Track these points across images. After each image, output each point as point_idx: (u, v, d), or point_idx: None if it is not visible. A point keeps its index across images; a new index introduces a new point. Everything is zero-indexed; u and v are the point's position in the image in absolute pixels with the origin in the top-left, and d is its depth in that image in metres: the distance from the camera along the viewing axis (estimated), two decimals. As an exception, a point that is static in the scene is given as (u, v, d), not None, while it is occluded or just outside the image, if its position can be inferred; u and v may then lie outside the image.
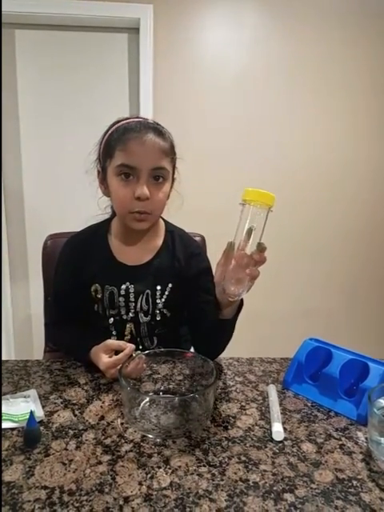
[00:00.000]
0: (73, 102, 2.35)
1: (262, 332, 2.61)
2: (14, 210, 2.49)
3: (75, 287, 1.13)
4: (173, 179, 1.11)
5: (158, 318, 1.14)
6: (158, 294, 1.12)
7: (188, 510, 0.59)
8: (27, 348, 2.61)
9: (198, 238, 1.51)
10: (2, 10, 2.14)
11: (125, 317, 1.13)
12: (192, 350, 1.16)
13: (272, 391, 0.89)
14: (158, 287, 1.12)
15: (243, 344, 2.43)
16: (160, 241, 1.16)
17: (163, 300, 1.13)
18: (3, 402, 0.82)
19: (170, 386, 0.93)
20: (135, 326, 1.14)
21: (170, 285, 1.13)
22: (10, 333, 2.60)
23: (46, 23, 2.28)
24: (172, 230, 1.19)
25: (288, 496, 0.62)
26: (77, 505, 0.59)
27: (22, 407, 0.81)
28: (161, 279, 1.12)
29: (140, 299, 1.11)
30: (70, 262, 1.16)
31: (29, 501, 0.60)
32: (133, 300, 1.12)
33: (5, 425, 0.76)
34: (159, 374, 0.95)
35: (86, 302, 1.14)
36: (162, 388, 0.92)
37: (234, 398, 0.89)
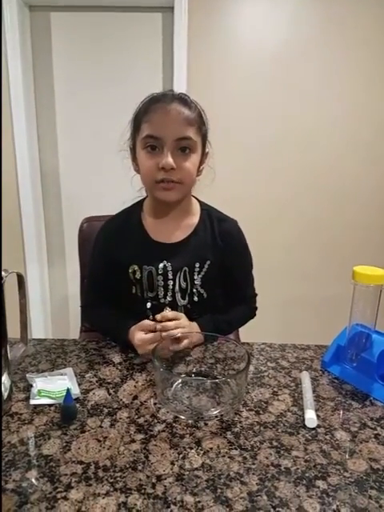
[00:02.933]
0: (107, 84, 2.34)
1: (295, 318, 2.58)
2: (51, 193, 2.53)
3: (111, 271, 1.14)
4: (203, 152, 1.09)
5: (195, 299, 1.14)
6: (196, 269, 1.12)
7: (219, 491, 0.59)
8: (64, 328, 2.69)
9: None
10: None
11: (162, 300, 1.13)
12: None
13: (305, 378, 0.88)
14: (197, 264, 1.12)
15: (274, 329, 2.44)
16: (196, 219, 1.15)
17: (201, 276, 1.12)
18: (42, 378, 0.85)
19: (202, 369, 0.93)
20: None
21: (208, 261, 1.12)
22: (48, 313, 2.68)
23: (80, 5, 2.27)
24: (207, 209, 1.18)
25: (320, 483, 0.61)
26: (111, 480, 0.61)
27: (59, 384, 0.83)
28: (199, 256, 1.12)
29: (178, 277, 1.11)
30: (105, 246, 1.17)
31: (65, 474, 0.62)
32: (171, 278, 1.11)
33: (43, 401, 0.79)
34: (191, 356, 0.96)
35: (122, 285, 1.15)
36: (194, 370, 0.93)
37: (267, 383, 0.89)
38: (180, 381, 0.85)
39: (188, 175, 1.03)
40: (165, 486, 0.60)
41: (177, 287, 1.12)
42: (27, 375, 0.87)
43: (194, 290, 1.13)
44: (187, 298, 1.14)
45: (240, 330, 1.54)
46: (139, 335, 0.97)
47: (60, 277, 2.62)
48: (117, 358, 0.99)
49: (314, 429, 0.74)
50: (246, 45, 2.22)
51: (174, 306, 1.12)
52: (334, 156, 2.36)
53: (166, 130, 0.98)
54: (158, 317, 0.99)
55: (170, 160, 0.98)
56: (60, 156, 2.49)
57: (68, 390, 0.74)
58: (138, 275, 1.11)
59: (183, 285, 1.12)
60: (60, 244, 2.58)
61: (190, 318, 1.10)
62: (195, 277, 1.12)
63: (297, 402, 0.82)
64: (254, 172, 2.37)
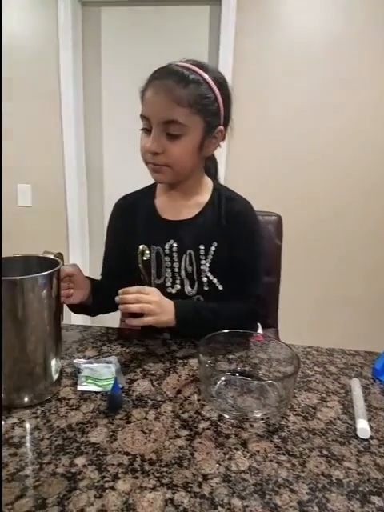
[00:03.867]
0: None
1: (340, 319, 2.50)
2: (95, 183, 2.58)
3: (122, 249, 1.13)
4: (211, 131, 0.99)
5: (205, 288, 1.07)
6: (201, 253, 1.06)
7: (268, 497, 0.57)
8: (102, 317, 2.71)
9: (273, 218, 1.47)
10: None
11: (170, 289, 1.08)
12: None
13: (356, 385, 0.85)
14: (201, 246, 1.06)
15: (315, 330, 2.38)
16: (205, 198, 1.10)
17: (208, 261, 1.06)
18: (88, 365, 0.85)
19: (246, 369, 0.91)
20: None
21: (214, 244, 1.06)
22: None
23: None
24: (219, 189, 1.12)
25: (376, 499, 0.58)
26: (157, 475, 0.60)
27: (105, 372, 0.83)
28: (204, 237, 1.06)
29: (184, 260, 1.06)
30: (117, 221, 1.17)
31: (112, 464, 0.61)
32: (177, 260, 1.07)
33: (90, 388, 0.79)
34: (234, 354, 0.94)
35: (131, 269, 1.10)
36: (237, 369, 0.91)
37: (314, 388, 0.86)
38: (224, 379, 0.84)
39: (176, 160, 0.97)
40: (211, 486, 0.59)
41: (183, 272, 1.07)
42: (74, 361, 0.88)
43: (204, 279, 1.06)
44: (196, 286, 1.07)
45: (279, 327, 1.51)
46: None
47: (100, 263, 2.64)
48: (160, 350, 0.98)
49: (366, 440, 0.71)
50: (296, 39, 2.15)
51: (183, 297, 1.07)
52: (372, 145, 2.26)
53: (154, 111, 0.93)
54: (120, 290, 0.91)
55: (152, 144, 0.94)
56: (104, 146, 2.51)
57: (116, 379, 0.74)
58: (146, 256, 1.06)
59: (189, 269, 1.06)
60: (101, 231, 2.61)
61: None
62: (202, 262, 1.06)
63: (347, 410, 0.79)
64: (305, 170, 2.31)
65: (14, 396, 0.74)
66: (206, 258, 1.06)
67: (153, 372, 0.88)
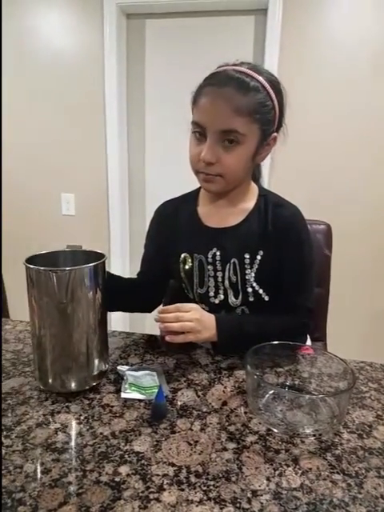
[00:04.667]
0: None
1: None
2: (137, 196, 2.61)
3: (161, 254, 1.11)
4: (265, 138, 0.96)
5: (250, 299, 1.02)
6: (246, 262, 1.00)
7: (322, 518, 0.53)
8: (140, 320, 2.72)
9: (322, 227, 1.42)
10: (134, 1, 2.24)
11: (213, 299, 1.05)
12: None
13: (414, 404, 0.79)
14: (247, 255, 1.00)
15: (373, 348, 2.28)
16: (250, 204, 1.05)
17: (254, 271, 1.00)
18: (132, 372, 0.84)
19: (295, 382, 0.87)
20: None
21: (260, 253, 1.00)
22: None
23: (174, 11, 2.30)
24: (265, 195, 1.06)
25: None
26: (204, 488, 0.57)
27: (149, 380, 0.82)
28: (249, 246, 1.01)
29: (228, 269, 1.02)
30: (159, 226, 1.14)
31: (157, 475, 0.59)
32: (220, 269, 1.02)
33: (133, 395, 0.77)
34: (282, 367, 0.90)
35: (169, 274, 1.12)
36: (286, 382, 0.87)
37: (369, 405, 0.81)
38: (272, 392, 0.80)
39: (229, 170, 0.93)
40: (261, 503, 0.55)
41: (226, 282, 1.02)
42: (118, 367, 0.87)
43: (249, 289, 1.01)
44: (241, 297, 1.03)
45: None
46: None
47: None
48: (203, 360, 0.96)
49: None
50: (342, 49, 2.11)
51: (227, 307, 1.04)
52: None
53: (211, 119, 0.89)
54: (159, 309, 0.89)
55: (208, 154, 0.90)
56: (146, 156, 2.54)
57: (160, 388, 0.72)
58: (188, 264, 1.04)
59: (233, 279, 1.01)
60: (142, 241, 2.64)
61: None
62: (247, 271, 1.00)
63: (405, 429, 0.74)
64: (355, 177, 2.25)
65: (57, 382, 0.78)
66: (252, 268, 1.01)
67: (197, 382, 0.86)
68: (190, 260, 1.05)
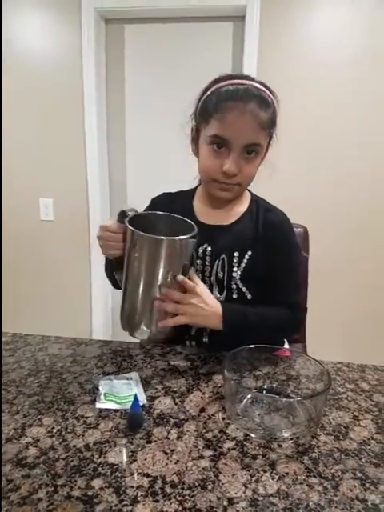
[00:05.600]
0: (176, 95, 2.35)
1: (373, 338, 2.41)
2: (117, 200, 2.58)
3: None
4: (267, 149, 1.05)
5: (234, 296, 1.06)
6: (235, 260, 1.05)
7: (298, 523, 0.53)
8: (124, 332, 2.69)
9: (299, 230, 1.43)
10: (113, 6, 2.24)
11: None
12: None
13: (390, 404, 0.80)
14: (236, 253, 1.05)
15: (343, 347, 2.30)
16: (244, 207, 1.12)
17: (240, 270, 1.05)
18: (107, 381, 0.83)
19: (273, 386, 0.87)
20: None
21: (249, 253, 1.05)
22: (109, 315, 2.70)
23: (152, 16, 2.31)
24: (257, 199, 1.15)
25: (416, 527, 0.53)
26: (179, 498, 0.56)
27: (125, 389, 0.80)
28: (240, 245, 1.06)
29: (216, 264, 1.06)
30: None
31: (132, 487, 0.58)
32: (209, 264, 1.07)
33: (109, 405, 0.76)
34: (260, 371, 0.90)
35: None
36: (264, 386, 0.87)
37: (345, 406, 0.81)
38: (250, 396, 0.79)
39: (248, 178, 1.02)
40: (237, 511, 0.54)
41: (213, 277, 1.07)
42: (92, 377, 0.85)
43: (233, 285, 1.06)
44: (225, 293, 1.06)
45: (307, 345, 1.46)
46: (109, 221, 0.92)
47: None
48: (182, 366, 0.95)
49: (403, 462, 0.66)
50: (320, 55, 2.14)
51: None
52: None
53: (238, 134, 0.93)
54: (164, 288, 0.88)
55: (233, 168, 0.95)
56: (128, 162, 2.52)
57: (136, 397, 0.71)
58: None
59: (220, 274, 1.06)
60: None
61: None
62: (234, 269, 1.05)
63: (381, 429, 0.74)
64: (331, 183, 2.27)
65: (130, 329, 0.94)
66: (239, 266, 1.06)
67: (175, 389, 0.85)
68: None
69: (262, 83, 0.97)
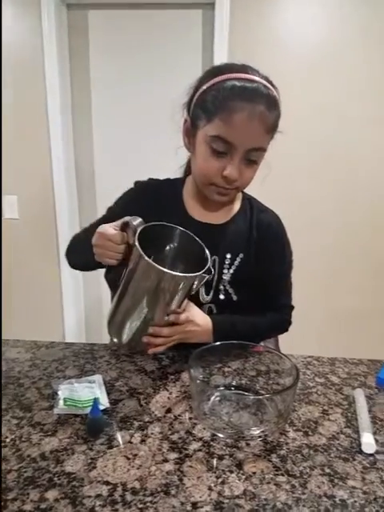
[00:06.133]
0: (144, 84, 2.28)
1: (345, 331, 2.43)
2: (86, 192, 2.50)
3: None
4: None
5: (221, 297, 1.02)
6: (226, 263, 1.00)
7: (265, 526, 0.51)
8: (97, 332, 2.64)
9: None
10: None
11: None
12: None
13: (359, 396, 0.78)
14: (228, 255, 1.00)
15: (318, 343, 2.30)
16: (237, 205, 1.06)
17: (231, 272, 1.01)
18: (68, 385, 0.79)
19: (242, 382, 0.85)
20: None
21: (241, 255, 1.01)
22: (81, 316, 2.64)
23: (118, 2, 2.23)
24: (249, 198, 1.09)
25: (385, 522, 0.52)
26: (140, 506, 0.53)
27: (87, 393, 0.76)
28: (233, 246, 1.01)
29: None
30: (138, 202, 1.03)
31: (89, 496, 0.55)
32: None
33: (69, 411, 0.72)
34: (230, 367, 0.88)
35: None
36: (233, 383, 0.84)
37: (315, 400, 0.80)
38: (218, 394, 0.77)
39: (247, 183, 0.94)
40: (202, 516, 0.52)
41: None
42: (52, 382, 0.81)
43: (221, 287, 1.01)
44: (212, 294, 1.02)
45: (280, 341, 1.44)
46: (110, 229, 0.84)
47: (94, 278, 2.57)
48: (150, 366, 0.92)
49: (371, 455, 0.64)
50: (289, 42, 2.12)
51: (196, 303, 1.00)
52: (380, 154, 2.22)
53: (244, 138, 0.84)
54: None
55: (234, 173, 0.87)
56: (95, 155, 2.44)
57: (95, 401, 0.67)
58: None
59: (209, 277, 1.00)
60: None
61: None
62: (224, 271, 1.00)
63: (350, 423, 0.73)
64: (293, 174, 2.26)
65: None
66: (230, 268, 1.01)
67: (141, 390, 0.82)
68: None
69: (266, 79, 0.88)
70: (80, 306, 2.63)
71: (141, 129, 2.34)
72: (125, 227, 0.84)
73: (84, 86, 2.36)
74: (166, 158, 1.06)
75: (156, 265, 0.75)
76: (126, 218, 0.83)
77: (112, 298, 0.93)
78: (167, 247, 0.92)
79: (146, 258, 0.75)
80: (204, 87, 0.87)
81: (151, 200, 1.04)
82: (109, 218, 1.05)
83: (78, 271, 2.53)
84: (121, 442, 0.66)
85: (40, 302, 2.55)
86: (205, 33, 2.23)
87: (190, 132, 0.94)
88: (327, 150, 2.24)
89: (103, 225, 0.86)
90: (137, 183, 1.10)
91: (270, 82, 0.88)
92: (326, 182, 2.27)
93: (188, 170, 1.09)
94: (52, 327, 2.57)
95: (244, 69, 0.87)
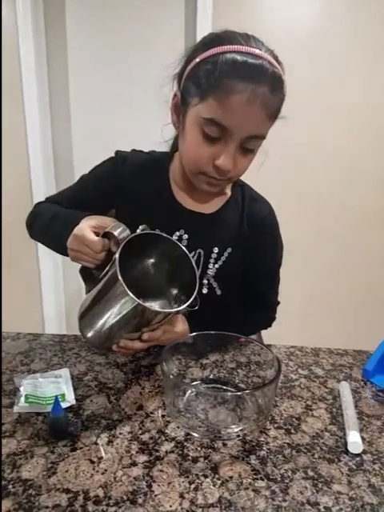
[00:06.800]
0: (124, 53, 2.17)
1: (327, 320, 2.39)
2: (64, 176, 2.40)
3: (103, 205, 0.93)
4: None
5: (203, 291, 0.93)
6: (212, 257, 0.92)
7: (241, 539, 0.45)
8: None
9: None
10: None
11: None
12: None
13: (345, 390, 0.73)
14: (215, 249, 0.91)
15: (300, 333, 2.27)
16: (228, 192, 0.95)
17: (216, 267, 0.92)
18: (31, 380, 0.72)
19: (221, 375, 0.79)
20: None
21: (229, 250, 0.92)
22: (62, 309, 2.56)
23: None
24: (242, 185, 0.98)
25: (373, 532, 0.47)
26: (102, 518, 0.47)
27: (51, 389, 0.70)
28: (221, 239, 0.92)
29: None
30: (117, 175, 0.93)
31: (46, 507, 0.49)
32: None
33: (31, 409, 0.66)
34: (208, 359, 0.82)
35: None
36: (211, 376, 0.79)
37: (298, 394, 0.75)
38: (193, 390, 0.71)
39: (241, 173, 0.83)
40: (171, 529, 0.46)
41: None
42: (15, 376, 0.75)
43: (205, 281, 0.93)
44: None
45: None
46: (89, 234, 0.74)
47: (74, 270, 2.49)
48: (122, 359, 0.86)
49: (358, 455, 0.60)
50: (278, 27, 2.04)
51: None
52: (365, 144, 2.18)
53: (242, 124, 0.72)
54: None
55: (229, 163, 0.76)
56: (74, 143, 2.35)
57: (57, 399, 0.61)
58: None
59: None
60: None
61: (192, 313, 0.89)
62: (210, 265, 0.92)
63: (335, 419, 0.68)
64: (272, 160, 2.21)
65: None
66: (216, 263, 0.93)
67: (111, 385, 0.76)
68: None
69: (272, 53, 0.74)
70: (60, 295, 2.55)
71: (121, 115, 2.24)
72: (107, 234, 0.74)
73: (61, 71, 2.25)
74: (151, 145, 0.97)
75: (134, 297, 0.66)
76: (110, 228, 0.73)
77: (86, 291, 0.85)
78: (152, 258, 0.84)
79: (125, 287, 0.66)
80: (198, 59, 0.74)
81: (132, 177, 0.93)
82: (80, 190, 0.99)
83: (57, 267, 2.46)
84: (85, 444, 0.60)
85: (17, 290, 2.47)
86: (187, 13, 2.13)
87: (180, 109, 0.80)
88: (316, 138, 2.18)
89: (81, 226, 0.76)
90: (117, 153, 0.97)
91: (276, 58, 0.74)
92: (311, 173, 2.22)
93: (175, 146, 0.94)
94: (31, 317, 2.50)
95: (248, 40, 0.72)
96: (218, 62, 0.70)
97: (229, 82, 0.69)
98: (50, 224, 0.89)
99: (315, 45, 2.07)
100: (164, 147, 1.01)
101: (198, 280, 0.76)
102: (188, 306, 0.73)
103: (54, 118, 2.32)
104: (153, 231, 0.80)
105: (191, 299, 0.73)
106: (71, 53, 2.23)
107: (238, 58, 0.69)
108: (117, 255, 0.68)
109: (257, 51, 0.70)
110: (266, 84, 0.69)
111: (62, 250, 0.83)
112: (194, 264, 0.79)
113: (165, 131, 0.91)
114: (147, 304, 0.69)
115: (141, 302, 0.66)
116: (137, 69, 2.19)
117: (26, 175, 2.30)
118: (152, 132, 0.95)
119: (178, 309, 0.73)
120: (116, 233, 0.71)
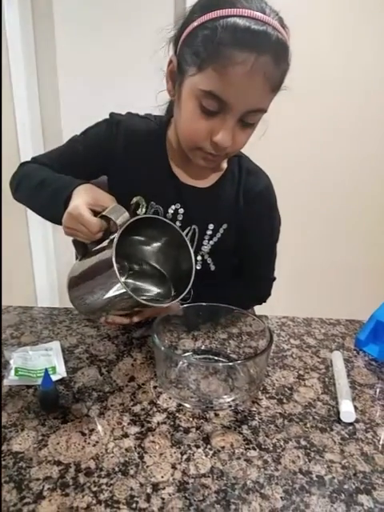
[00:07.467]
0: (111, 24, 2.07)
1: (323, 289, 2.40)
2: (52, 137, 2.34)
3: (96, 172, 0.90)
4: None
5: (197, 267, 0.91)
6: (208, 233, 0.89)
7: (233, 507, 0.46)
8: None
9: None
10: None
11: None
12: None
13: (337, 360, 0.73)
14: (211, 226, 0.89)
15: (292, 303, 2.28)
16: (224, 164, 0.91)
17: (211, 243, 0.90)
18: (22, 353, 0.71)
19: (213, 345, 0.79)
20: None
21: (224, 226, 0.90)
22: (54, 281, 2.55)
23: None
24: (240, 156, 0.93)
25: (364, 499, 0.47)
26: (94, 489, 0.47)
27: (42, 361, 0.70)
28: (216, 215, 0.89)
29: (185, 233, 0.88)
30: (110, 140, 0.88)
31: (37, 479, 0.48)
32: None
33: (21, 381, 0.65)
34: (200, 330, 0.82)
35: None
36: (202, 347, 0.79)
37: (290, 364, 0.75)
38: (185, 361, 0.71)
39: (239, 148, 0.78)
40: (163, 499, 0.46)
41: None
42: (4, 349, 0.74)
43: (199, 258, 0.92)
44: None
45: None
46: (86, 214, 0.68)
47: (66, 241, 2.47)
48: (114, 331, 0.85)
49: (351, 424, 0.60)
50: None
51: None
52: (364, 119, 2.14)
53: (242, 97, 0.67)
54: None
55: (227, 139, 0.71)
56: (63, 117, 2.28)
57: (46, 371, 0.60)
58: (141, 211, 0.88)
59: None
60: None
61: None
62: (204, 242, 0.90)
63: (328, 388, 0.68)
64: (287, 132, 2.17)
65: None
66: (210, 240, 0.90)
67: (102, 357, 0.75)
68: (143, 206, 0.88)
69: (276, 14, 0.66)
70: (52, 268, 2.53)
71: (111, 87, 2.16)
72: (105, 216, 0.70)
73: (49, 35, 2.15)
74: (144, 111, 0.93)
75: (130, 292, 0.64)
76: (108, 213, 0.68)
77: (76, 258, 0.82)
78: (149, 239, 0.81)
79: (121, 281, 0.64)
80: (195, 23, 0.67)
81: (127, 144, 0.88)
82: (70, 153, 0.93)
83: (47, 241, 2.43)
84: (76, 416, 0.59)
85: (9, 265, 2.44)
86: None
87: (176, 76, 0.75)
88: (314, 109, 2.13)
89: (77, 204, 0.70)
90: (112, 116, 0.91)
91: (281, 21, 0.67)
92: (302, 140, 2.18)
93: (171, 112, 0.89)
94: (22, 290, 2.49)
95: (251, 2, 0.64)
96: (217, 27, 0.63)
97: (229, 51, 0.63)
98: (39, 190, 0.83)
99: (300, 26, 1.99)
100: (158, 112, 0.95)
101: (193, 273, 0.74)
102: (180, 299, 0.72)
103: (41, 94, 2.24)
104: (153, 216, 0.78)
105: (184, 293, 0.71)
106: (57, 15, 2.14)
107: (240, 23, 0.62)
108: (114, 243, 0.65)
109: (260, 15, 0.63)
110: (270, 53, 0.63)
111: (50, 218, 0.80)
112: (192, 256, 0.75)
113: (159, 98, 0.86)
114: (142, 298, 0.68)
115: (134, 296, 0.64)
116: (128, 29, 2.10)
117: (14, 150, 2.24)
118: (144, 98, 0.90)
119: (169, 304, 0.71)
120: (115, 218, 0.68)
